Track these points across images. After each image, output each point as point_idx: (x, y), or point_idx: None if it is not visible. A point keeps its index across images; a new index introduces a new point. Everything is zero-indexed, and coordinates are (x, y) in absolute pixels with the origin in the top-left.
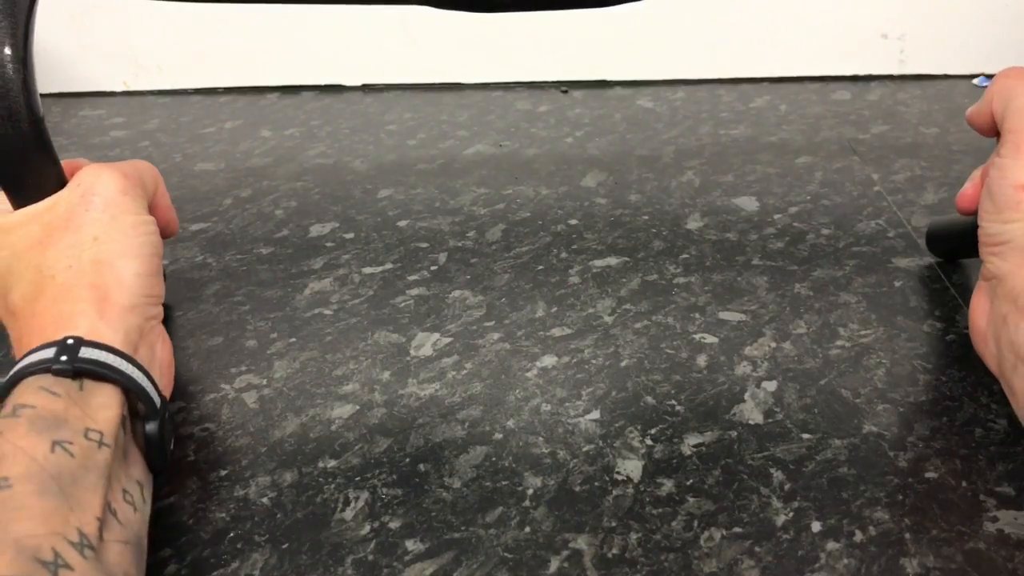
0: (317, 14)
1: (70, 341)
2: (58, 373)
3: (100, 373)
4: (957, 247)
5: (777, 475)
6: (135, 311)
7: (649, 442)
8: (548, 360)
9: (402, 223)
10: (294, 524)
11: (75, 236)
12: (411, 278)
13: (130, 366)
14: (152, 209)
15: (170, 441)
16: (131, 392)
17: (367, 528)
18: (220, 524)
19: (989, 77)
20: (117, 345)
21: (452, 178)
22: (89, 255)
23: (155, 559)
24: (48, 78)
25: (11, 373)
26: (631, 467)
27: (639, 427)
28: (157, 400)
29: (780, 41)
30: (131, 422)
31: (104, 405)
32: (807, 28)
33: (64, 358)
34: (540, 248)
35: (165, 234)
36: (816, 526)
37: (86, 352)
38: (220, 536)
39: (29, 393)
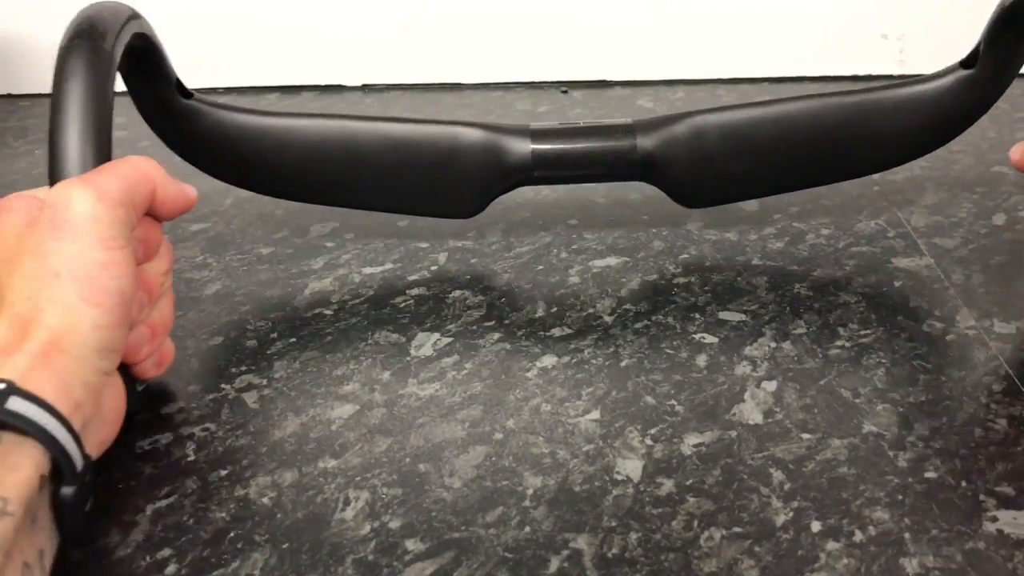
0: (317, 14)
1: (1, 386)
2: None
3: (23, 429)
4: None
5: (777, 475)
6: (84, 365)
7: (649, 442)
8: (548, 360)
9: (402, 223)
10: (294, 524)
11: (39, 266)
12: (411, 278)
13: (58, 425)
14: (157, 208)
15: (87, 504)
16: (52, 452)
17: (367, 528)
18: (220, 524)
19: None
20: (53, 399)
21: None
22: (48, 293)
23: (155, 559)
24: (48, 78)
25: None
26: (631, 467)
27: (639, 427)
28: (79, 464)
29: (780, 41)
30: (50, 482)
31: (17, 465)
32: (807, 28)
33: None
34: (540, 248)
35: (183, 211)
36: (816, 526)
37: (13, 403)
38: (220, 536)
39: None
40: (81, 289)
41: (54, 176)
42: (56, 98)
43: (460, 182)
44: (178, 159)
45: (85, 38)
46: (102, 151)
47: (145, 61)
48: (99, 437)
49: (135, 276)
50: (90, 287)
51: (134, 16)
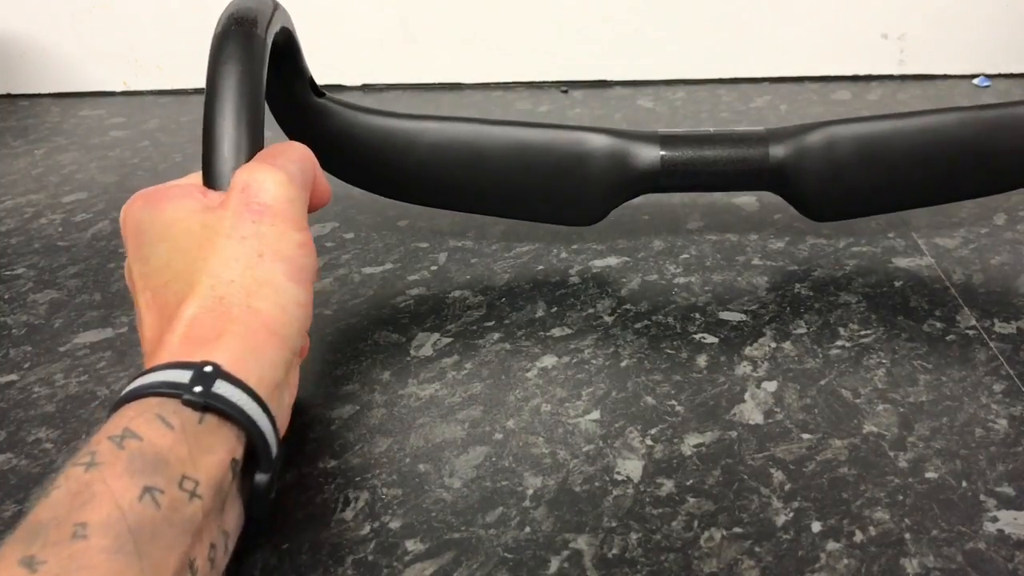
0: (317, 14)
1: (208, 369)
2: (188, 404)
3: (226, 413)
4: None
5: (777, 475)
6: (288, 344)
7: (649, 442)
8: (548, 360)
9: (402, 223)
10: (294, 524)
11: (239, 248)
12: (411, 278)
13: (260, 411)
14: (312, 193)
15: (275, 489)
16: (251, 438)
17: (367, 528)
18: None
19: (989, 77)
20: (256, 382)
21: None
22: (253, 274)
23: None
24: (48, 78)
25: (136, 384)
26: (631, 467)
27: (639, 427)
28: (275, 451)
29: (780, 41)
30: (242, 467)
31: (214, 448)
32: (807, 28)
33: (198, 389)
34: (540, 248)
35: (325, 204)
36: (816, 526)
37: (220, 387)
38: None
39: (144, 420)
40: (287, 268)
41: (211, 159)
42: (212, 83)
43: (585, 189)
44: None
45: (241, 24)
46: (257, 137)
47: (284, 55)
48: (284, 420)
49: (315, 250)
50: (293, 266)
51: (277, 7)
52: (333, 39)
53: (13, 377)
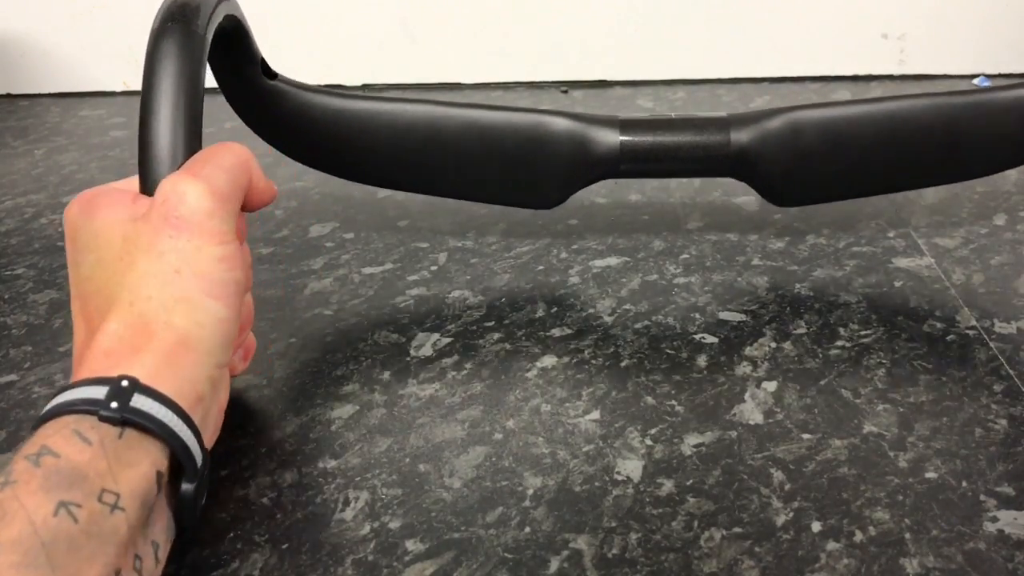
0: (317, 14)
1: (124, 383)
2: (105, 419)
3: (146, 427)
4: None
5: (777, 475)
6: (209, 359)
7: (649, 442)
8: (548, 360)
9: (402, 223)
10: (294, 524)
11: (157, 264)
12: (411, 278)
13: (181, 423)
14: (248, 199)
15: (203, 498)
16: (173, 449)
17: (367, 528)
18: (220, 524)
19: (989, 77)
20: (177, 395)
21: None
22: (170, 291)
23: None
24: (48, 78)
25: (55, 403)
26: (631, 467)
27: (639, 427)
28: (199, 460)
29: (780, 41)
30: (168, 478)
31: (135, 462)
32: (807, 28)
33: (115, 405)
34: (540, 248)
35: (267, 204)
36: (816, 526)
37: (138, 400)
38: (220, 536)
39: (62, 437)
40: (203, 284)
41: (147, 166)
42: (148, 83)
43: (544, 172)
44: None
45: (178, 20)
46: (194, 139)
47: (233, 42)
48: (212, 432)
49: (245, 267)
50: (211, 282)
51: None
52: (333, 39)
53: (13, 377)
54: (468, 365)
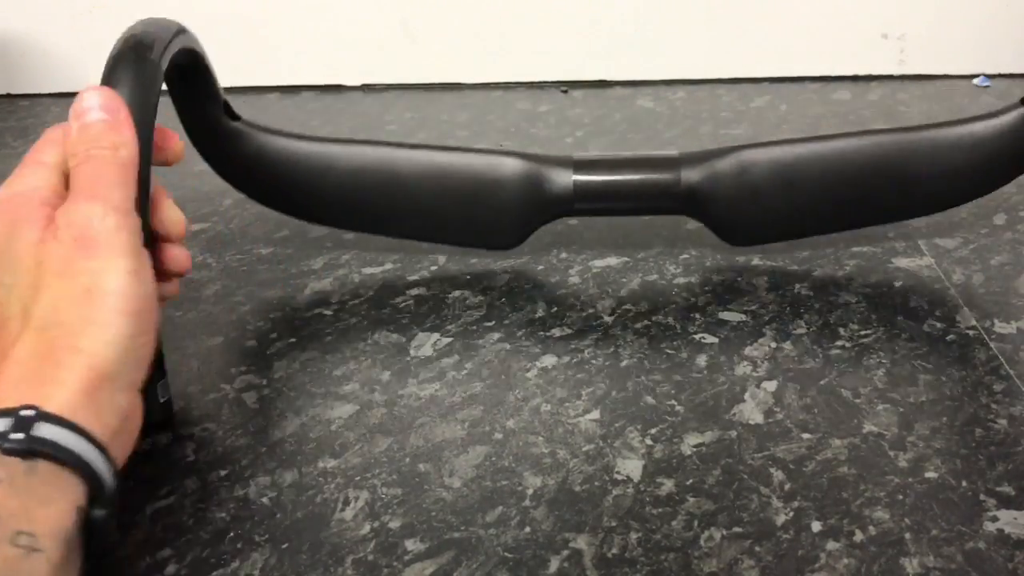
0: (316, 14)
1: (26, 413)
2: (9, 452)
3: (56, 457)
4: None
5: (777, 475)
6: (119, 380)
7: (649, 442)
8: (548, 360)
9: None
10: (294, 524)
11: (68, 287)
12: (411, 278)
13: (92, 448)
14: (157, 151)
15: (115, 521)
16: (84, 476)
17: (367, 528)
18: (220, 524)
19: (989, 77)
20: (87, 422)
21: None
22: (81, 313)
23: (155, 559)
24: (48, 78)
25: None
26: (631, 467)
27: (639, 427)
28: (111, 486)
29: (780, 41)
30: (87, 511)
31: (51, 498)
32: (807, 28)
33: (18, 436)
34: (540, 248)
35: (170, 160)
36: (816, 526)
37: (43, 430)
38: (220, 536)
39: None
40: (115, 301)
41: None
42: None
43: (500, 213)
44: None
45: (132, 48)
46: (144, 163)
47: (193, 78)
48: (122, 452)
49: (154, 280)
50: (123, 297)
51: (182, 31)
52: (333, 39)
53: None
54: (468, 365)
